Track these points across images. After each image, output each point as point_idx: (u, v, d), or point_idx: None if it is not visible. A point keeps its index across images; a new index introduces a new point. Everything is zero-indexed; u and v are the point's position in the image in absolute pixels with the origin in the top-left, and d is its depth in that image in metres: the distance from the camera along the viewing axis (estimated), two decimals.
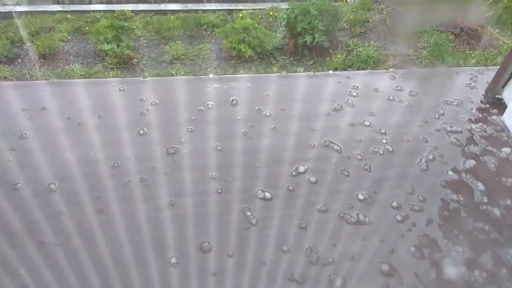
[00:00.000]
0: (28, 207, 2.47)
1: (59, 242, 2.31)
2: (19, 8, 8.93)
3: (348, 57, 8.50)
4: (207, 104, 3.20)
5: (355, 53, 8.57)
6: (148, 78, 3.54)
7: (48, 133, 2.91)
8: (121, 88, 3.30)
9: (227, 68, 8.21)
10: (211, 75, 3.59)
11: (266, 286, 2.25)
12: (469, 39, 9.06)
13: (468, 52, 8.78)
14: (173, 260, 2.30)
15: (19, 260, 2.22)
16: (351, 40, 8.95)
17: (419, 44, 9.09)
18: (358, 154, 2.93)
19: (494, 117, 3.30)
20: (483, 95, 3.50)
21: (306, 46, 8.40)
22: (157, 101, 3.17)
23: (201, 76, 6.43)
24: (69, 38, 8.70)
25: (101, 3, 9.30)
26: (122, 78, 7.28)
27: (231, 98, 3.26)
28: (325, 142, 3.00)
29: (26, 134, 2.85)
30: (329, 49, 8.72)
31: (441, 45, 8.77)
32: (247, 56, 8.16)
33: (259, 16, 9.36)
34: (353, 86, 3.47)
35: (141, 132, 2.94)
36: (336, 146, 2.97)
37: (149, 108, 3.12)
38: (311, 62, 8.49)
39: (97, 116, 3.04)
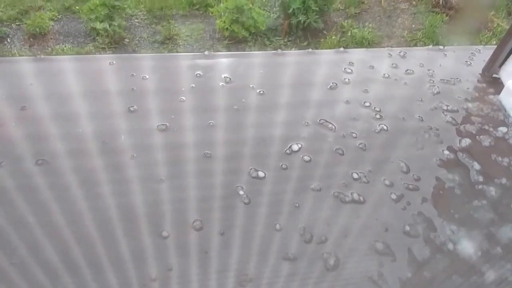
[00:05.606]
0: (13, 186, 2.40)
1: (46, 221, 2.26)
2: None
3: (342, 39, 8.42)
4: (200, 81, 3.12)
5: (349, 34, 8.49)
6: (140, 54, 3.46)
7: (35, 110, 2.83)
8: (111, 63, 3.22)
9: (220, 49, 8.12)
10: (206, 52, 3.50)
11: (259, 264, 2.22)
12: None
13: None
14: (164, 236, 2.25)
15: (5, 240, 2.17)
16: (346, 21, 8.85)
17: (413, 26, 9.02)
18: (353, 133, 2.89)
19: (490, 96, 3.26)
20: (480, 74, 3.44)
21: (300, 27, 8.30)
22: (147, 77, 3.10)
23: (195, 53, 6.33)
24: (59, 17, 8.54)
25: None
26: (112, 54, 7.17)
27: (224, 75, 3.18)
28: (319, 120, 2.94)
29: (12, 111, 2.77)
30: (324, 30, 8.62)
31: (435, 27, 8.71)
32: (240, 37, 8.05)
33: None
34: (349, 63, 3.41)
35: (131, 108, 2.87)
36: (330, 125, 2.92)
37: (140, 84, 3.05)
38: (305, 44, 8.40)
39: (86, 92, 2.96)
